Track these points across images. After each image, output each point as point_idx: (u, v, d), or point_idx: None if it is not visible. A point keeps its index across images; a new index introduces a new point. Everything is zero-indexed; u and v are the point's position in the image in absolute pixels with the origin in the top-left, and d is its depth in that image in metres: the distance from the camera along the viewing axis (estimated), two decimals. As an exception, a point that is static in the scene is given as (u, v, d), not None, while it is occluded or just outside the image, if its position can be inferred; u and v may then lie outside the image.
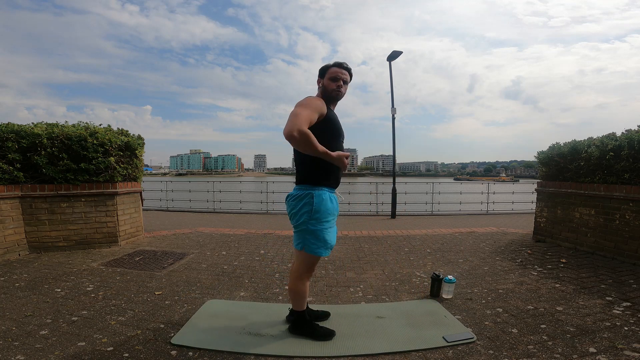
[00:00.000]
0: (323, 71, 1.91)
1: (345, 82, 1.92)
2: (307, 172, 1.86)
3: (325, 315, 2.25)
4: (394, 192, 8.48)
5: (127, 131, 4.47)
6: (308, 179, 1.86)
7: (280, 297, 2.66)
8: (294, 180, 1.94)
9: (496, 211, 9.78)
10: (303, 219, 1.84)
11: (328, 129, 1.83)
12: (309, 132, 1.63)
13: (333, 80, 1.88)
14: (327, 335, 2.00)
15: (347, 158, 1.82)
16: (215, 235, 4.96)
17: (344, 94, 1.95)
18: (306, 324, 2.04)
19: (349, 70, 1.92)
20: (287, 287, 2.85)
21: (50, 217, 3.85)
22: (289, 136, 1.58)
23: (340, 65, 1.89)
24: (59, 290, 2.72)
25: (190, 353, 1.84)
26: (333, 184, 1.92)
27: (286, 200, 1.95)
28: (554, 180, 4.45)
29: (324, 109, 1.80)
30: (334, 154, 1.76)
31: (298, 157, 1.88)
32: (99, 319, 2.21)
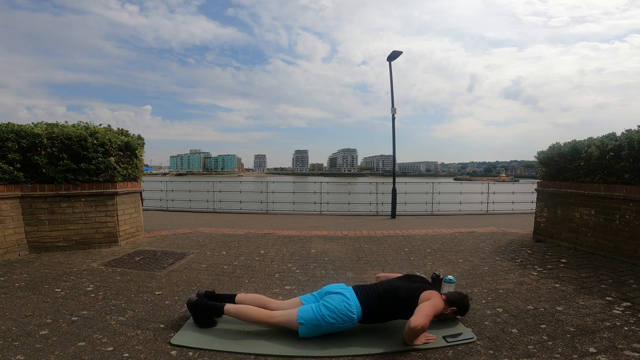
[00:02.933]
0: (463, 310, 2.21)
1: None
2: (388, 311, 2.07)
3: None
4: (394, 192, 8.48)
5: (127, 131, 4.47)
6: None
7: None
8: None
9: (496, 211, 9.77)
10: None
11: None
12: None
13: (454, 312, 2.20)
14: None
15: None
16: (215, 235, 4.96)
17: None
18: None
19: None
20: (286, 287, 2.86)
21: (50, 217, 3.85)
22: (419, 328, 1.85)
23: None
24: (59, 290, 2.72)
25: (190, 353, 1.84)
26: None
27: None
28: (554, 180, 4.45)
29: None
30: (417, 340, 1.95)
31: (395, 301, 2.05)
32: (99, 319, 2.21)
